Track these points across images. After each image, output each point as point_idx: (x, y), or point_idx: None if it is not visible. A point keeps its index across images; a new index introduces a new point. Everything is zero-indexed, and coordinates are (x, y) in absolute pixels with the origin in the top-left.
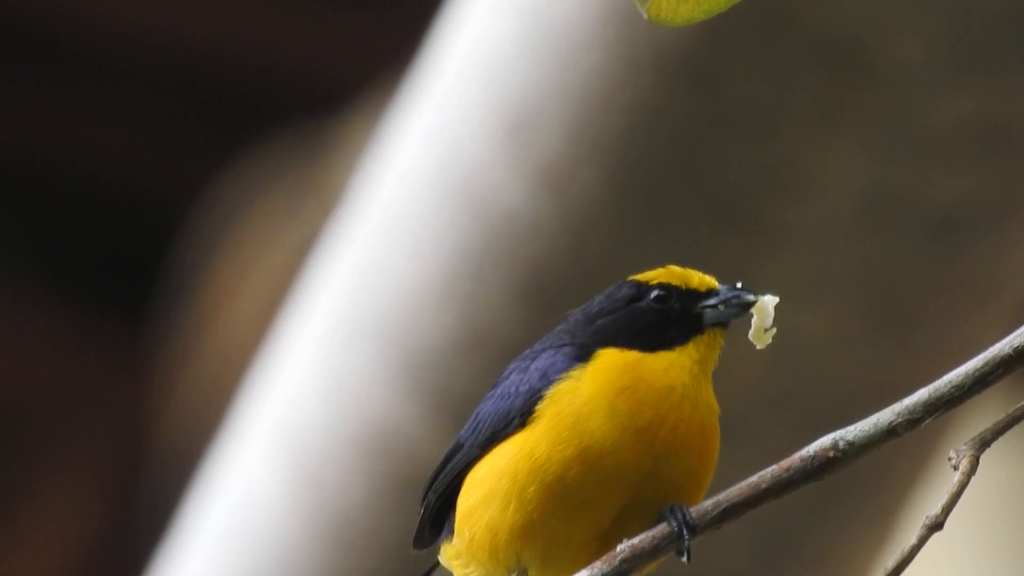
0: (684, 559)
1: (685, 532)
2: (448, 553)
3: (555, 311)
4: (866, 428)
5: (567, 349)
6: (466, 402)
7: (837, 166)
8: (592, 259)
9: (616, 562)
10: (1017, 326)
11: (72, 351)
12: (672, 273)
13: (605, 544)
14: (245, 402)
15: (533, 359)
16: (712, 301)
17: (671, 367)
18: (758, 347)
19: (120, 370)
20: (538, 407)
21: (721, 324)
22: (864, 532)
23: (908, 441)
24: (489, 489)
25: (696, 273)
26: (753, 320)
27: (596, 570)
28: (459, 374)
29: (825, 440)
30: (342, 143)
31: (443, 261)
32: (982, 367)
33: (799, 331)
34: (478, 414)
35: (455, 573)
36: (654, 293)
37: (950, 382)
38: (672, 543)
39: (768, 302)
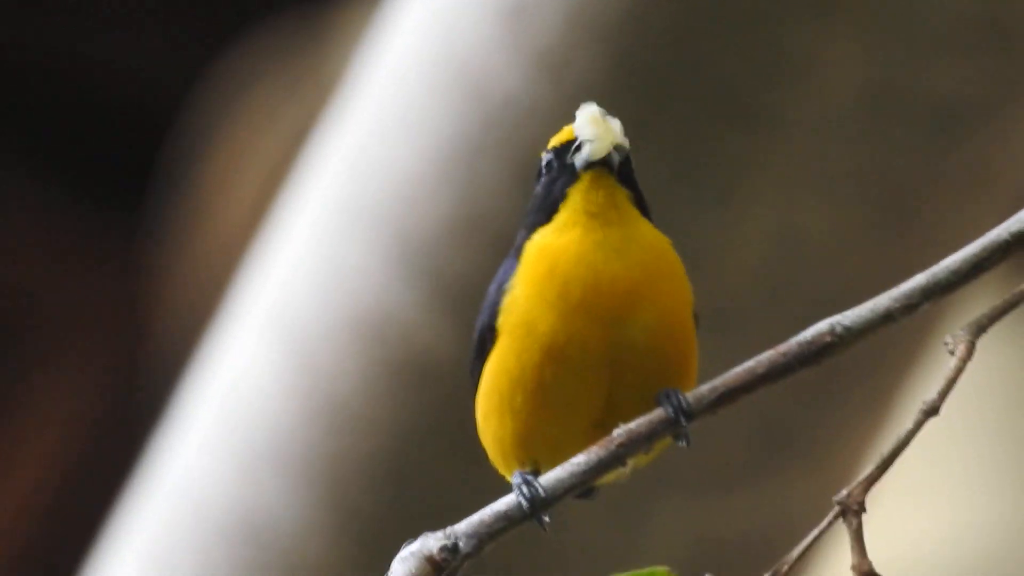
0: (683, 443)
1: (681, 416)
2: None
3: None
4: (863, 313)
5: (513, 251)
6: (462, 288)
7: (836, 58)
8: None
9: (613, 447)
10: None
11: (69, 245)
12: (557, 135)
13: (606, 431)
14: (240, 290)
15: (499, 268)
16: (577, 143)
17: (565, 229)
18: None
19: (118, 263)
20: (498, 323)
21: (593, 164)
22: (861, 420)
23: (905, 328)
24: (486, 407)
25: (569, 125)
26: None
27: (593, 455)
28: (455, 259)
29: (822, 325)
30: (339, 30)
31: (439, 146)
32: (979, 252)
33: (797, 223)
34: (473, 334)
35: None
36: (544, 162)
37: (947, 267)
38: (668, 427)
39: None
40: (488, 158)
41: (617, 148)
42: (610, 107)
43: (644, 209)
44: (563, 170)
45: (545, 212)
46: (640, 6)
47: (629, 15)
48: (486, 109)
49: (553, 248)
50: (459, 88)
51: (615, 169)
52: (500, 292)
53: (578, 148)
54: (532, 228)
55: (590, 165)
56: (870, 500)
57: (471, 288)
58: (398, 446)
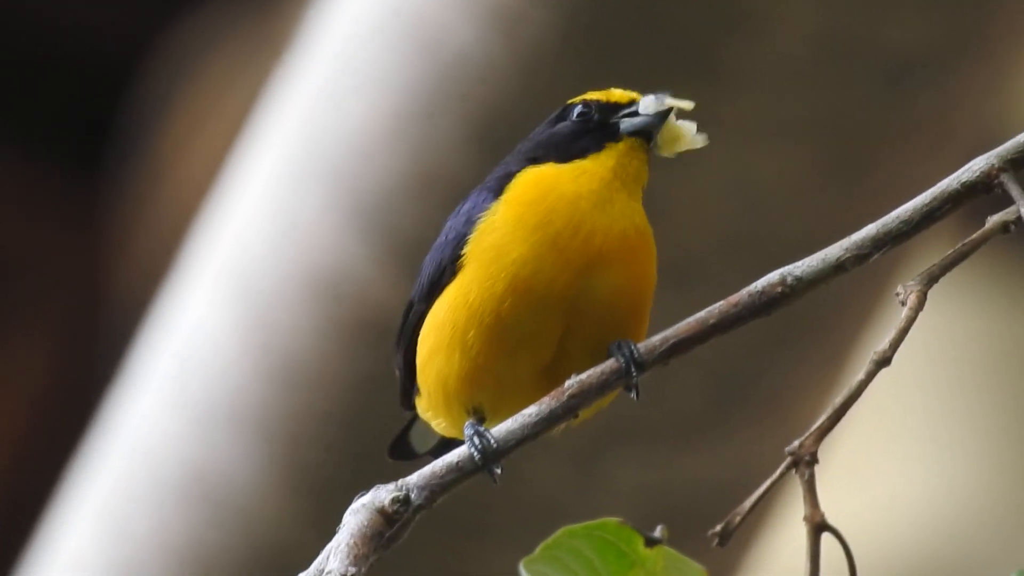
0: (633, 395)
1: (633, 367)
2: (420, 408)
3: (505, 152)
4: (814, 264)
5: (490, 185)
6: (416, 244)
7: (791, 9)
8: (543, 101)
9: (564, 397)
10: None
11: (27, 204)
12: (599, 92)
13: (552, 379)
14: (196, 246)
15: (464, 202)
16: (630, 110)
17: (582, 175)
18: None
19: (76, 221)
20: (464, 251)
21: (640, 133)
22: (816, 374)
23: (860, 283)
24: (434, 342)
25: (620, 90)
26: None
27: (544, 406)
28: (409, 216)
29: (773, 276)
30: None
31: (393, 103)
32: (930, 202)
33: (753, 175)
34: (421, 267)
35: (431, 425)
36: (577, 110)
37: (898, 217)
38: (620, 378)
39: (677, 106)
40: (442, 114)
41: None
42: (563, 61)
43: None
44: (602, 126)
45: (563, 152)
46: None
47: None
48: (440, 65)
49: (556, 179)
50: (413, 44)
51: (651, 146)
52: (469, 223)
53: (631, 115)
54: (535, 161)
55: (638, 132)
56: (833, 458)
57: (425, 244)
58: (352, 402)
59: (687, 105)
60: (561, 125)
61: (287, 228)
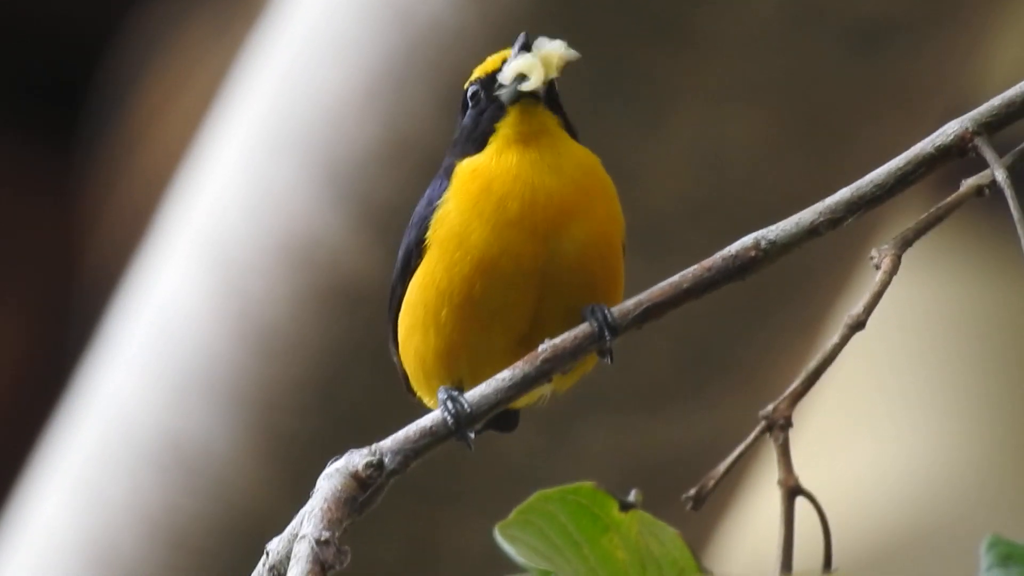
0: (607, 360)
1: (606, 331)
2: (415, 390)
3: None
4: (788, 227)
5: (442, 173)
6: (390, 212)
7: None
8: None
9: (538, 362)
10: None
11: (1, 173)
12: (482, 65)
13: (530, 348)
14: (170, 215)
15: (429, 186)
16: (501, 78)
17: (499, 154)
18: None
19: (50, 190)
20: (427, 236)
21: (517, 99)
22: (791, 342)
23: (834, 250)
24: (409, 322)
25: (495, 55)
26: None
27: (518, 371)
28: (383, 183)
29: (747, 240)
30: None
31: (366, 71)
32: (904, 166)
33: (724, 140)
34: (398, 252)
35: (427, 405)
36: (469, 93)
37: (872, 181)
38: (594, 343)
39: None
40: (415, 82)
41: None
42: (535, 29)
43: (572, 132)
44: (489, 103)
45: (474, 143)
46: None
47: None
48: (412, 33)
49: (488, 168)
50: (385, 12)
51: (542, 97)
52: (431, 207)
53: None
54: (460, 157)
55: (517, 98)
56: (802, 421)
57: (398, 212)
58: (326, 369)
59: (539, 62)
60: (466, 115)
61: (261, 196)
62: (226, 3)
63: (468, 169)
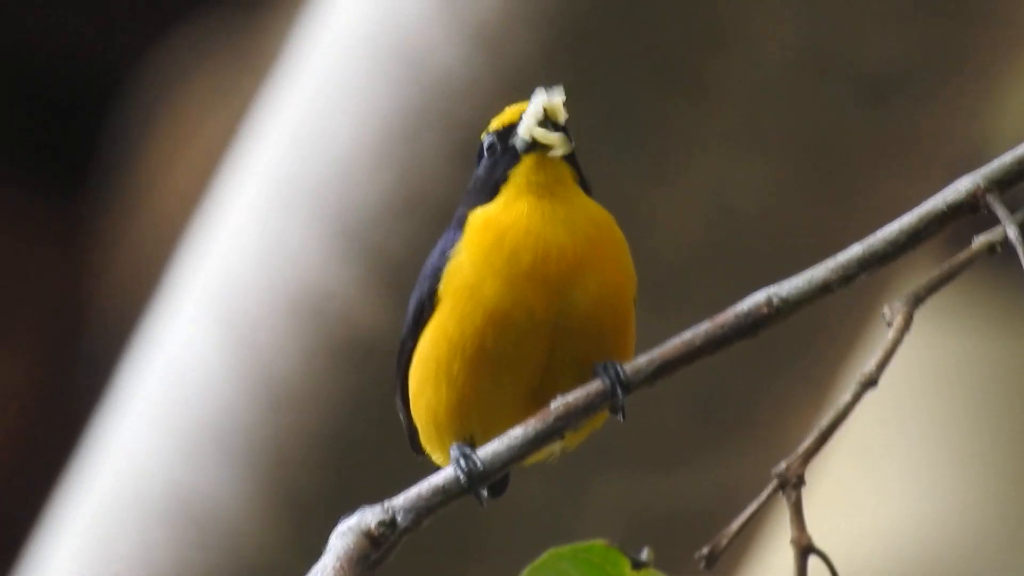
0: (619, 417)
1: (618, 388)
2: (423, 445)
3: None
4: (800, 284)
5: (454, 224)
6: (401, 264)
7: (774, 25)
8: None
9: (550, 419)
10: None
11: (10, 223)
12: (499, 116)
13: (542, 403)
14: (181, 267)
15: (441, 237)
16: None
17: (511, 205)
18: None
19: (59, 240)
20: (439, 287)
21: (531, 149)
22: (802, 397)
23: (846, 305)
24: (420, 376)
25: (513, 107)
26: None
27: (530, 428)
28: (394, 236)
29: (759, 296)
30: (280, 10)
31: (378, 122)
32: (916, 223)
33: (735, 190)
34: (408, 305)
35: (435, 461)
36: (486, 144)
37: (884, 238)
38: (606, 400)
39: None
40: (427, 134)
41: (562, 127)
42: (547, 80)
43: (586, 187)
44: (505, 152)
45: (487, 193)
46: None
47: None
48: (424, 85)
49: (500, 220)
50: (397, 64)
51: (546, 149)
52: (443, 258)
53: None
54: (472, 207)
55: (532, 147)
56: (815, 484)
57: (410, 265)
58: (338, 424)
59: (557, 103)
60: (480, 164)
61: (272, 248)
62: (237, 54)
63: (480, 220)
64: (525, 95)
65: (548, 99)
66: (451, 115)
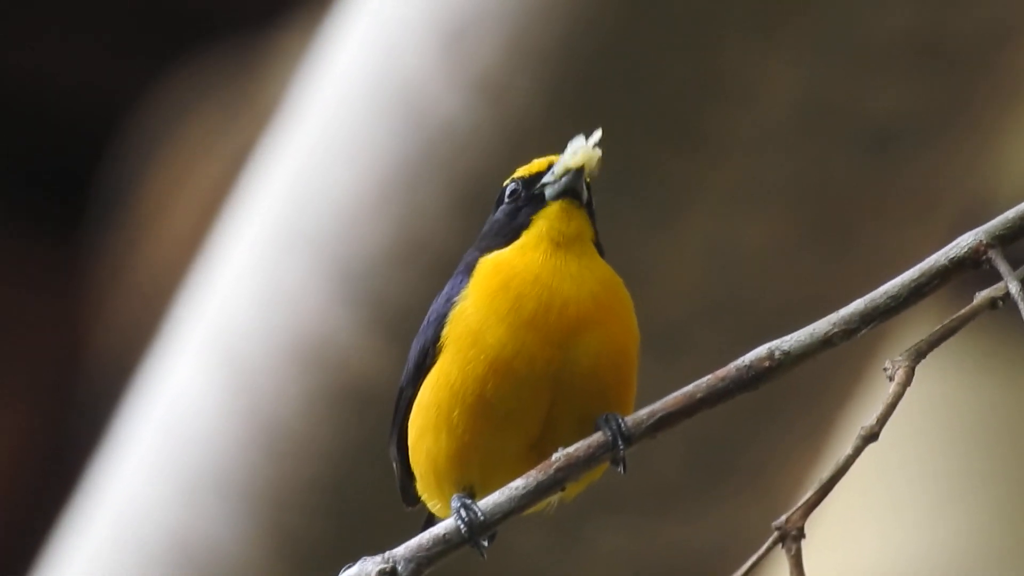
0: (620, 469)
1: (620, 441)
2: (420, 492)
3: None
4: (802, 338)
5: (462, 269)
6: (402, 311)
7: (775, 76)
8: None
9: (552, 471)
10: (954, 238)
11: (5, 266)
12: (526, 166)
13: (541, 454)
14: (181, 312)
15: (446, 284)
16: (547, 177)
17: (526, 253)
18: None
19: (56, 283)
20: (443, 333)
21: (563, 194)
22: (801, 445)
23: (845, 354)
24: (421, 424)
25: (541, 159)
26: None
27: (532, 479)
28: (395, 283)
29: (761, 350)
30: (279, 54)
31: (380, 170)
32: (918, 277)
33: (736, 241)
34: (408, 353)
35: (430, 509)
36: (508, 190)
37: (886, 292)
38: (607, 452)
39: (576, 152)
40: (428, 182)
41: (588, 184)
42: (548, 130)
43: (600, 249)
44: (530, 199)
45: (504, 236)
46: (578, 30)
47: (567, 39)
48: (426, 133)
49: (510, 264)
50: (399, 112)
51: (584, 201)
52: (448, 304)
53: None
54: (486, 250)
55: (562, 194)
56: (812, 526)
57: (410, 312)
58: (337, 469)
59: (595, 153)
60: (499, 209)
61: (272, 295)
62: (234, 95)
63: (491, 264)
64: (526, 145)
65: (588, 148)
66: (452, 164)
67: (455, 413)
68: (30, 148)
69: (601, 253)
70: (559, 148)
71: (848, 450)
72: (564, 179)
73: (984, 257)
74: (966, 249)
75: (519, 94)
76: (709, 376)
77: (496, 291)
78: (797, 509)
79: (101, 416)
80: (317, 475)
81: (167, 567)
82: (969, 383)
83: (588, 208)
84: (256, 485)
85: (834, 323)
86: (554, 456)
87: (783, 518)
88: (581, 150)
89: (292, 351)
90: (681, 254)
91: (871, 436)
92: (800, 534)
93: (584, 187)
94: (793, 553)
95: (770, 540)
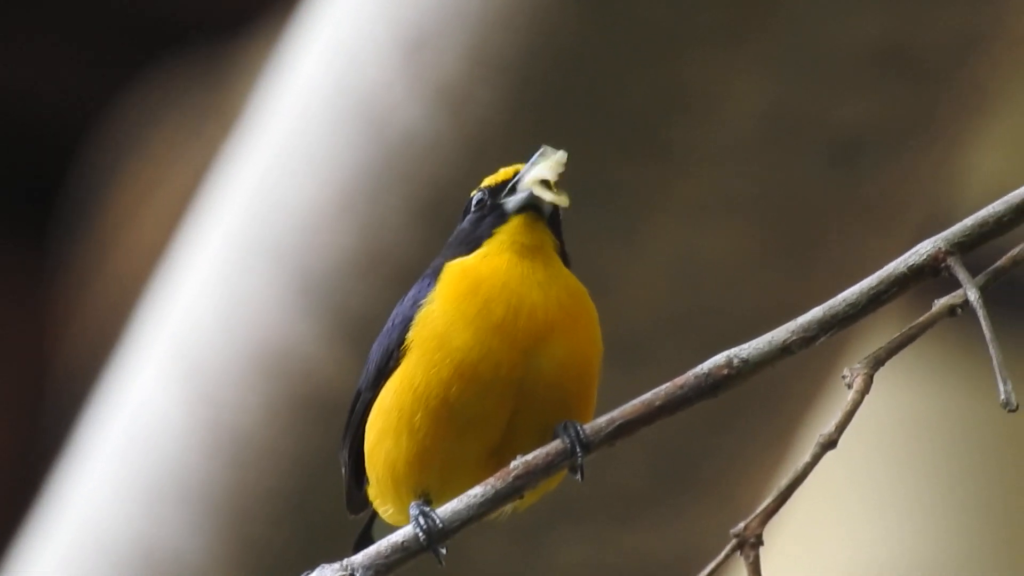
0: (578, 477)
1: (578, 448)
2: (371, 496)
3: (452, 232)
4: (761, 346)
5: (429, 273)
6: (363, 322)
7: (739, 88)
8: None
9: (510, 478)
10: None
11: None
12: (493, 176)
13: (501, 461)
14: (143, 322)
15: (411, 288)
16: (506, 191)
17: (490, 261)
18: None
19: (21, 294)
20: (408, 336)
21: (523, 209)
22: (762, 454)
23: (806, 363)
24: (381, 426)
25: (508, 167)
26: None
27: (490, 487)
28: (356, 294)
29: (719, 358)
30: (244, 65)
31: (341, 181)
32: (877, 285)
33: (700, 252)
34: (368, 356)
35: (381, 515)
36: (475, 199)
37: (845, 300)
38: (566, 460)
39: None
40: (389, 192)
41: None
42: (510, 140)
43: (566, 259)
44: (493, 210)
45: (467, 245)
46: (540, 41)
47: (530, 50)
48: (387, 143)
49: (476, 270)
50: (360, 122)
51: (546, 215)
52: (415, 307)
53: (512, 190)
54: (451, 258)
55: (523, 208)
56: (777, 534)
57: (371, 322)
58: (298, 479)
59: (557, 167)
60: (465, 219)
61: (234, 305)
62: (200, 105)
63: (457, 269)
64: (487, 155)
65: (555, 158)
66: (413, 174)
67: (417, 417)
68: None
69: (567, 264)
70: (521, 158)
71: (807, 458)
72: (523, 195)
73: (943, 264)
74: (925, 256)
75: (480, 104)
76: (668, 384)
77: (464, 295)
78: (755, 516)
79: (66, 425)
80: (279, 484)
81: (129, 574)
82: (932, 392)
83: (553, 219)
84: (218, 494)
85: (792, 331)
86: (512, 464)
87: (741, 525)
88: (541, 165)
89: (254, 361)
90: (645, 265)
91: (829, 444)
92: (759, 541)
93: (545, 200)
94: (751, 560)
95: (728, 547)
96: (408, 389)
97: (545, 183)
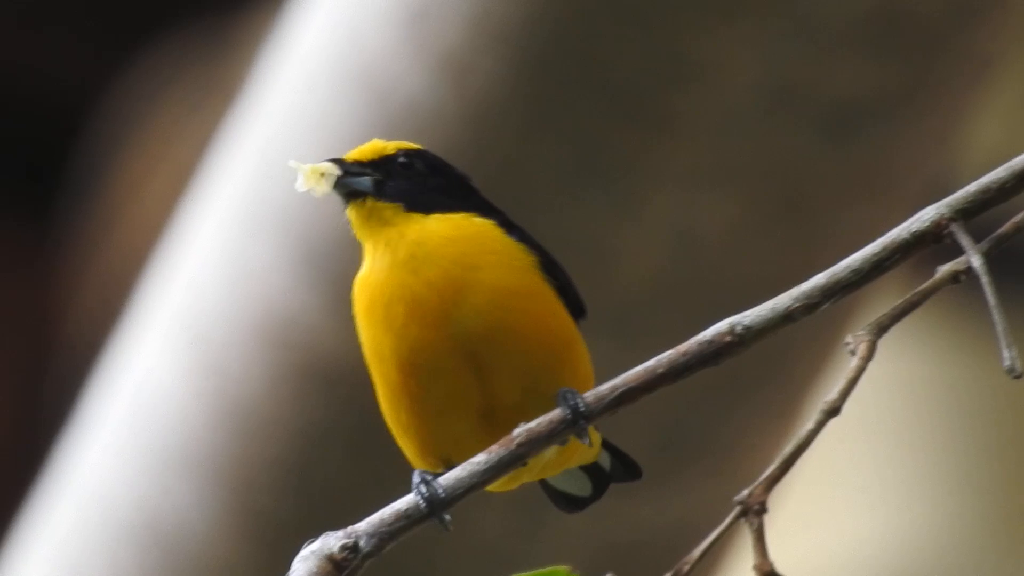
0: (586, 442)
1: (580, 411)
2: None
3: None
4: (763, 313)
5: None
6: None
7: (736, 57)
8: (492, 148)
9: (513, 446)
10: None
11: None
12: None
13: (495, 423)
14: (148, 293)
15: None
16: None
17: (371, 264)
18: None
19: (26, 267)
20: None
21: (347, 197)
22: (766, 425)
23: (810, 333)
24: (389, 423)
25: (353, 151)
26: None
27: (493, 455)
28: (359, 264)
29: (722, 325)
30: (246, 37)
31: (344, 149)
32: (880, 252)
33: (699, 224)
34: None
35: None
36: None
37: (848, 266)
38: (569, 427)
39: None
40: None
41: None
42: (512, 110)
43: (431, 202)
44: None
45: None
46: (541, 11)
47: (531, 19)
48: (389, 113)
49: (367, 281)
50: (363, 92)
51: (362, 195)
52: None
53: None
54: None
55: (346, 203)
56: (782, 507)
57: None
58: (303, 448)
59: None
60: None
61: (238, 275)
62: (203, 78)
63: (356, 288)
64: (490, 125)
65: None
66: (416, 143)
67: (402, 416)
68: (1, 133)
69: (439, 203)
70: (522, 127)
71: (810, 424)
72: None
73: (946, 231)
74: (928, 223)
75: (482, 74)
76: (670, 351)
77: (369, 309)
78: (759, 484)
79: (72, 395)
80: (283, 454)
81: (134, 546)
82: (935, 359)
83: (382, 186)
84: (223, 464)
85: (795, 297)
86: (515, 431)
87: (745, 492)
88: (305, 173)
89: (258, 331)
90: (643, 236)
91: (833, 411)
92: (763, 508)
93: (360, 179)
94: (756, 527)
95: (732, 515)
96: (385, 397)
97: (318, 172)
